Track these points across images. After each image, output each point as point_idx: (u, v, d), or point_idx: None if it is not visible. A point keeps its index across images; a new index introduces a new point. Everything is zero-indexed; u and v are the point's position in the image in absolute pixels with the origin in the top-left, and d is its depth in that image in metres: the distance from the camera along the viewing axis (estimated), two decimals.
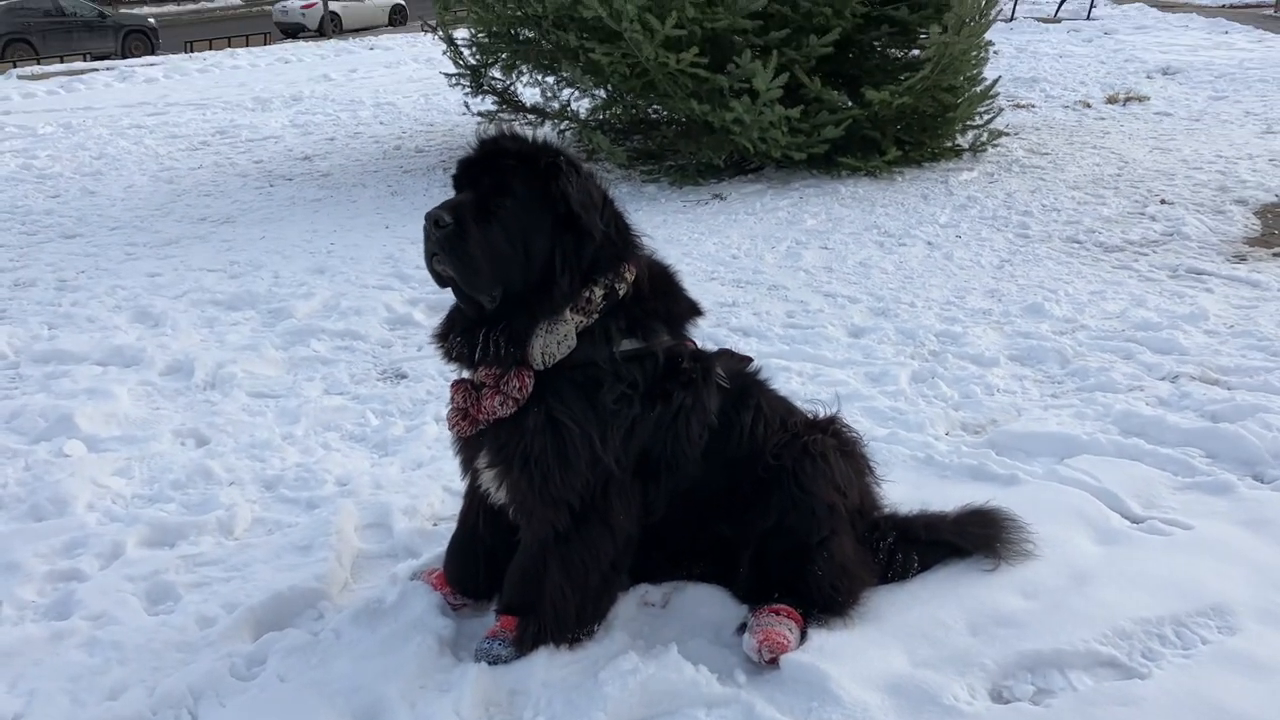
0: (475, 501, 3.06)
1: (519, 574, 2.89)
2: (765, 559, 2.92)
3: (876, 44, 9.14)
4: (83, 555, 3.43)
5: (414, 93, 15.55)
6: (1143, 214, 7.40)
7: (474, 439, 2.86)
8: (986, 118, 9.40)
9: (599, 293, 2.65)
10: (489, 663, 2.79)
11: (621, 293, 2.69)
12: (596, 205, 2.66)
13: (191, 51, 25.33)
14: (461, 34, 10.13)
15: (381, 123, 12.96)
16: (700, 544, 3.04)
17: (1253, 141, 9.67)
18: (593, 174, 2.74)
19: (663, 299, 2.79)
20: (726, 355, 3.05)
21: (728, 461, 2.90)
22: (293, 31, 34.01)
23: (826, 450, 2.96)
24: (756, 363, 3.15)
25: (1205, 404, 4.21)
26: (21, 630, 3.05)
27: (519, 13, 8.96)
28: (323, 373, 4.94)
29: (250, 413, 4.51)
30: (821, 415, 3.13)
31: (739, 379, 2.99)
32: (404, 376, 4.92)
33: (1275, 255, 6.43)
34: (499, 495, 2.85)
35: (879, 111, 8.47)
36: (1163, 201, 7.68)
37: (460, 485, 3.79)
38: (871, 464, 3.14)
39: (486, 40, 9.72)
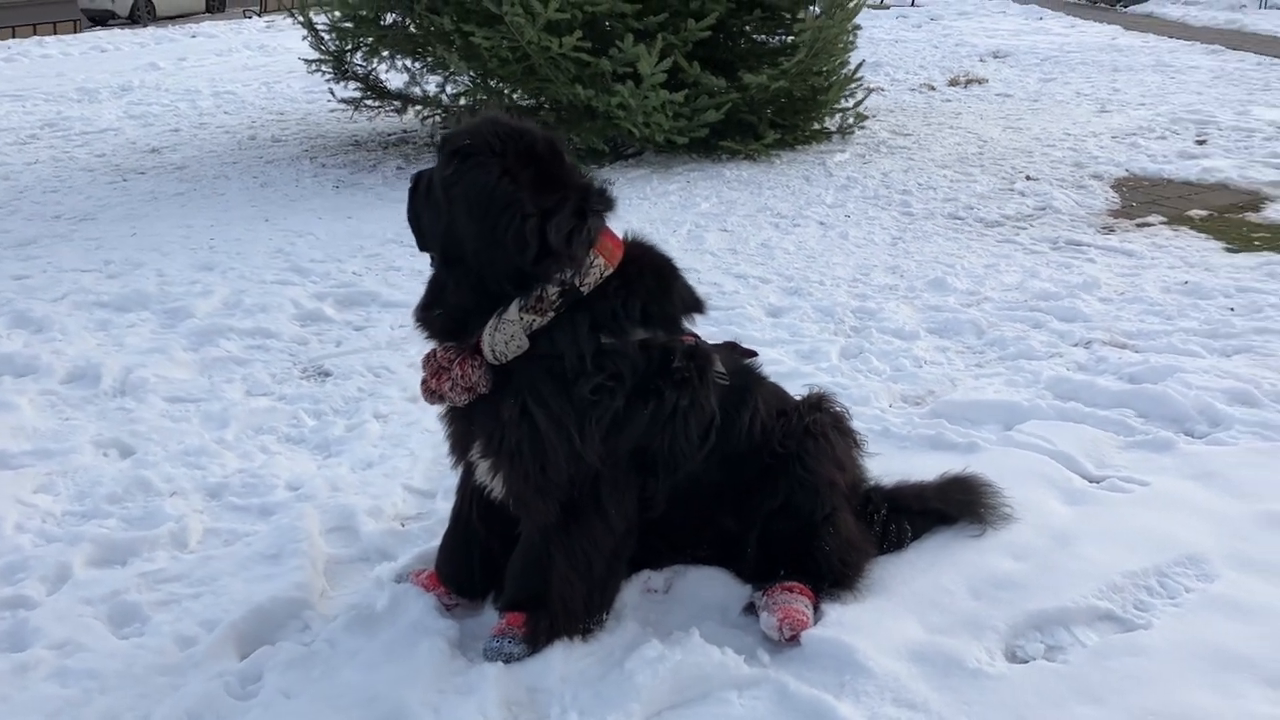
0: (468, 496, 2.97)
1: (522, 567, 2.81)
2: (772, 538, 2.93)
3: (748, 28, 9.26)
4: (25, 580, 3.14)
5: (253, 81, 14.89)
6: (1012, 190, 7.77)
7: (465, 431, 2.78)
8: (852, 101, 9.66)
9: (553, 290, 2.54)
10: (504, 661, 2.71)
11: (585, 287, 2.57)
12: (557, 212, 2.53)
13: None
14: (321, 19, 9.72)
15: (226, 112, 12.36)
16: (702, 533, 3.02)
17: (1093, 120, 10.29)
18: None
19: (645, 294, 2.66)
20: (728, 350, 3.03)
21: (729, 457, 2.88)
22: (100, 19, 31.98)
23: (825, 429, 3.00)
24: (757, 359, 3.13)
25: (1123, 367, 4.45)
26: None
27: None
28: (240, 373, 4.68)
29: (173, 419, 4.23)
30: (811, 394, 3.15)
31: (739, 375, 2.96)
32: (328, 374, 4.71)
33: (1139, 226, 6.86)
34: (496, 487, 2.76)
35: (755, 95, 8.60)
36: (1028, 178, 8.08)
37: (420, 482, 3.75)
38: (859, 439, 3.19)
39: (350, 25, 9.36)
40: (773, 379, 3.17)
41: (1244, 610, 2.81)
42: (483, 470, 2.77)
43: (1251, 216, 7.01)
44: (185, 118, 12.09)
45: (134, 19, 31.29)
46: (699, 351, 2.78)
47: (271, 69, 16.00)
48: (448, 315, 2.67)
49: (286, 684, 2.68)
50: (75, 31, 25.66)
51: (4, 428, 4.07)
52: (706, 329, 2.91)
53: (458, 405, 2.71)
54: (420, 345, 4.77)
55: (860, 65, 9.71)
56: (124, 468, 3.85)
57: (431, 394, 2.70)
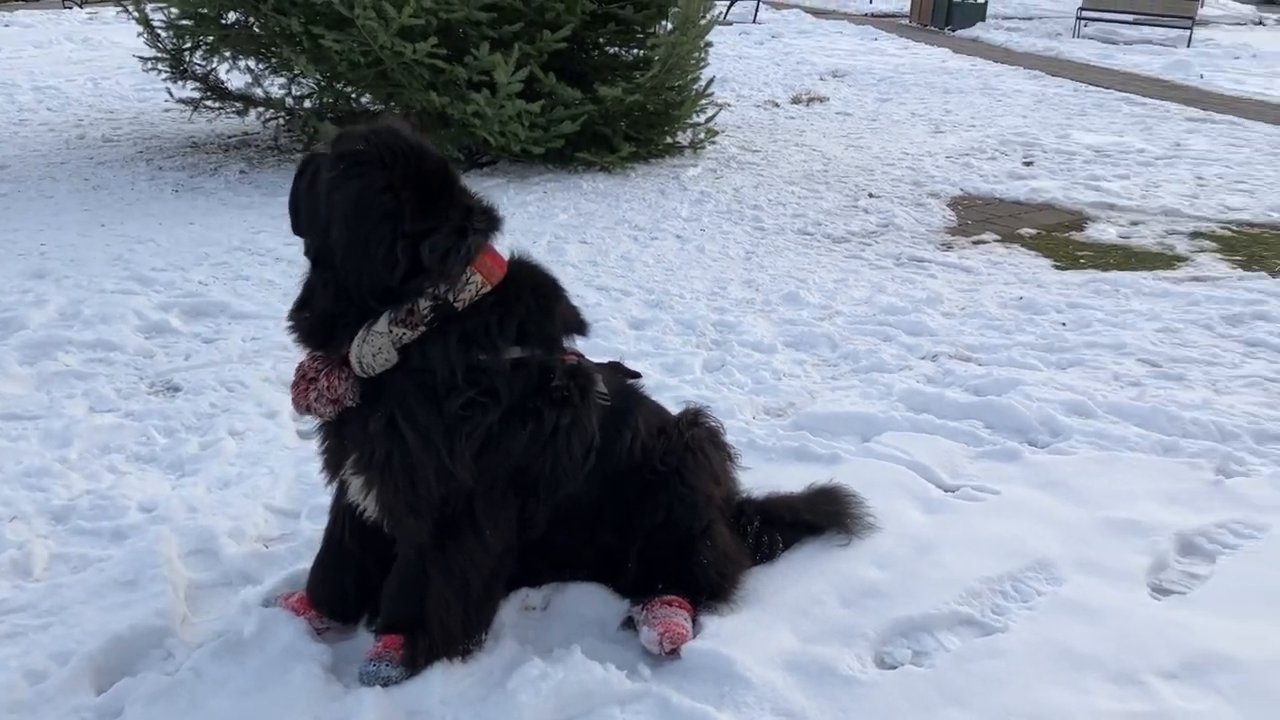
0: (341, 516, 2.90)
1: (399, 588, 2.77)
2: (651, 553, 2.96)
3: (603, 41, 9.32)
4: None
5: (78, 76, 14.08)
6: (856, 206, 8.06)
7: (338, 447, 2.72)
8: (704, 116, 9.84)
9: (424, 304, 2.50)
10: (381, 685, 2.65)
11: (459, 303, 2.54)
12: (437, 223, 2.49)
13: None
14: (158, 15, 9.28)
15: (49, 109, 11.66)
16: (583, 553, 3.03)
17: (928, 140, 10.77)
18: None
19: (523, 312, 2.63)
20: (611, 370, 3.04)
21: (610, 476, 2.89)
22: None
23: (703, 443, 3.06)
24: (644, 378, 3.16)
25: (968, 380, 4.68)
26: None
27: None
28: (82, 388, 4.42)
29: (9, 437, 3.97)
30: (688, 409, 3.20)
31: (621, 396, 2.97)
32: (178, 389, 4.50)
33: (975, 243, 7.22)
34: (369, 506, 2.70)
35: (611, 108, 8.66)
36: (870, 195, 8.40)
37: (283, 501, 3.63)
38: (733, 453, 3.26)
39: (190, 24, 8.98)
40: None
41: (1090, 612, 3.00)
42: (355, 488, 2.71)
43: (1076, 235, 7.47)
44: (3, 113, 11.36)
45: None
46: (580, 371, 2.78)
47: (98, 64, 15.18)
48: (316, 319, 2.60)
49: (151, 717, 2.56)
50: None
51: None
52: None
53: (324, 418, 2.66)
54: (274, 359, 4.71)
55: (711, 81, 9.89)
56: None
57: (299, 406, 2.64)
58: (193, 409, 4.30)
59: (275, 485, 3.72)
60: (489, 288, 2.59)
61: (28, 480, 3.67)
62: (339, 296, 2.53)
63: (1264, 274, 6.43)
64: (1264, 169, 9.57)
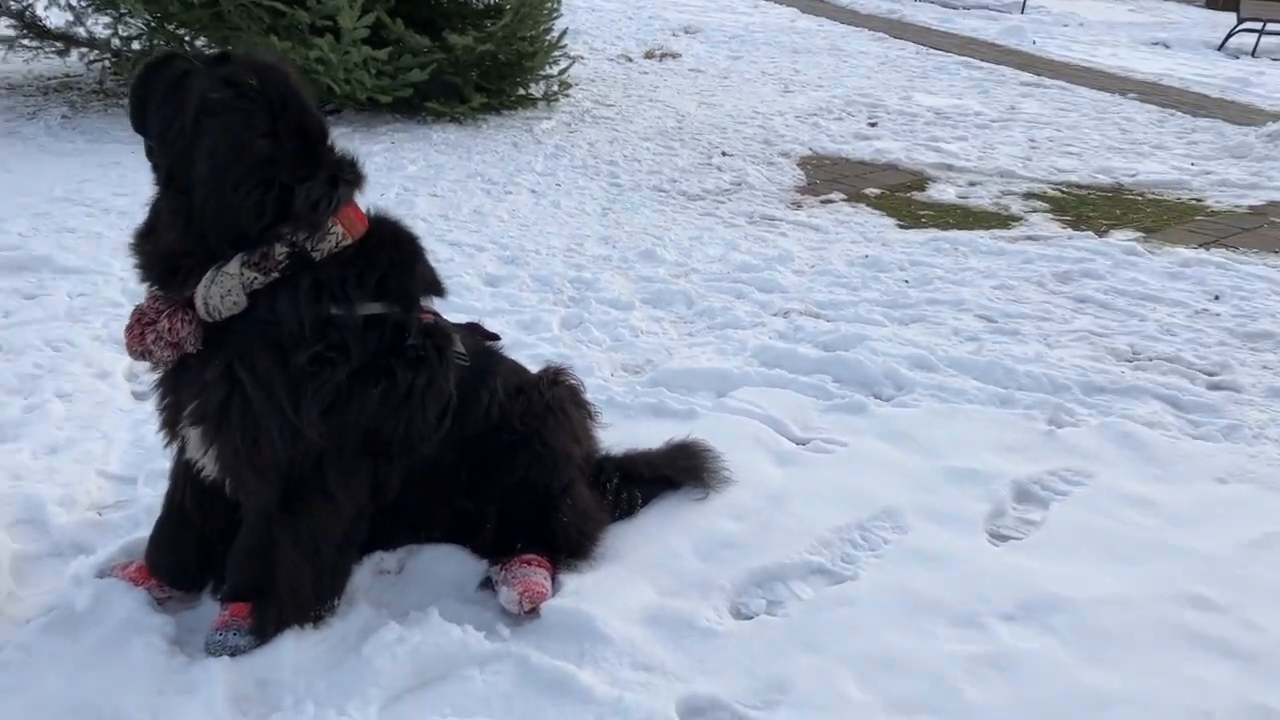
0: (181, 479, 2.77)
1: (245, 554, 2.66)
2: (510, 513, 2.94)
3: None
4: None
5: None
6: (709, 164, 8.12)
7: (176, 402, 2.59)
8: (557, 69, 9.71)
9: (281, 249, 2.40)
10: (229, 655, 2.56)
11: (317, 253, 2.45)
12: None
13: None
14: None
15: None
16: (438, 514, 2.98)
17: (778, 100, 10.91)
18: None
19: (382, 267, 2.56)
20: (469, 331, 2.99)
21: (466, 439, 2.85)
22: None
23: (564, 403, 3.04)
24: (500, 341, 3.11)
25: (817, 335, 4.79)
26: None
27: None
28: None
29: None
30: (548, 368, 3.17)
31: (480, 357, 2.93)
32: None
33: (823, 202, 7.37)
34: (209, 464, 2.58)
35: (461, 57, 8.46)
36: (724, 154, 8.47)
37: (117, 467, 3.45)
38: (594, 411, 3.25)
39: None
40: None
41: (934, 558, 3.13)
42: (194, 443, 2.58)
43: (918, 195, 7.72)
44: None
45: None
46: (438, 329, 2.72)
47: None
48: (160, 254, 2.45)
49: None
50: None
51: None
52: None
53: (163, 365, 2.52)
54: (105, 317, 4.45)
55: (565, 33, 9.76)
56: None
57: (134, 350, 2.49)
58: (14, 370, 4.02)
59: (109, 450, 3.52)
60: (349, 240, 2.50)
61: None
62: (188, 232, 2.38)
63: (1091, 233, 6.77)
64: (1090, 133, 10.07)
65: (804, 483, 3.49)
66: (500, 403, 2.90)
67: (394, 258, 2.59)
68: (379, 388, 2.58)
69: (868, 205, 7.33)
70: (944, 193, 7.78)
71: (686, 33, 15.56)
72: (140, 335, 2.44)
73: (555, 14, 9.41)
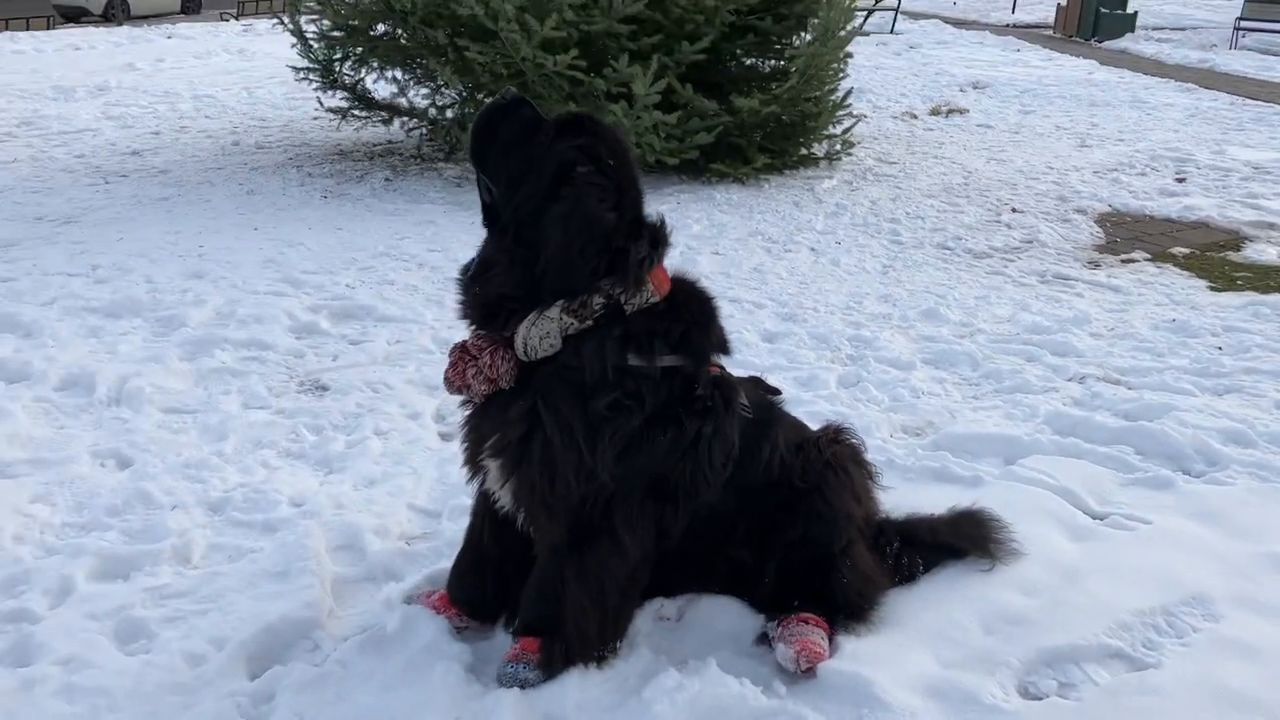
0: (482, 515, 2.96)
1: (537, 591, 2.80)
2: (788, 569, 2.94)
3: (740, 52, 9.31)
4: (27, 593, 3.08)
5: (233, 85, 14.74)
6: (998, 222, 7.86)
7: (480, 438, 2.76)
8: (840, 128, 9.73)
9: (598, 300, 2.56)
10: (519, 688, 2.69)
11: (630, 306, 2.60)
12: (602, 216, 2.56)
13: None
14: (311, 27, 9.66)
15: (207, 116, 12.23)
16: (716, 565, 3.02)
17: (1073, 154, 10.43)
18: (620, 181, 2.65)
19: (682, 323, 2.68)
20: (752, 384, 3.05)
21: (747, 489, 2.89)
22: (73, 15, 31.57)
23: (845, 461, 3.02)
24: (784, 394, 3.15)
25: (1118, 404, 4.51)
26: None
27: (380, 6, 8.64)
28: (237, 385, 4.62)
29: (170, 430, 4.18)
30: (829, 426, 3.17)
31: (762, 410, 2.97)
32: (326, 389, 4.66)
33: (1124, 262, 6.96)
34: (505, 497, 2.75)
35: (746, 119, 8.64)
36: (1014, 210, 8.18)
37: (425, 501, 3.72)
38: (874, 471, 3.21)
39: (341, 35, 9.32)
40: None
41: (1252, 651, 2.85)
42: (493, 475, 2.75)
43: (1233, 256, 7.14)
44: (165, 120, 11.96)
45: (108, 17, 30.96)
46: (725, 381, 2.80)
47: (251, 74, 15.87)
48: (488, 297, 2.64)
49: (300, 706, 2.65)
50: (48, 28, 25.30)
51: (0, 435, 4.00)
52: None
53: (477, 399, 2.68)
54: (418, 362, 4.84)
55: (850, 93, 9.78)
56: (122, 479, 3.79)
57: (453, 384, 2.69)
58: (340, 408, 4.45)
59: (418, 485, 3.82)
60: (658, 298, 2.64)
61: (187, 471, 3.85)
62: (523, 282, 2.57)
63: None
64: None
65: (1101, 560, 3.28)
66: (781, 456, 2.92)
67: (695, 315, 2.71)
68: (668, 435, 2.68)
69: (1175, 266, 6.85)
70: (1263, 253, 7.15)
71: (975, 88, 15.19)
72: (462, 370, 2.65)
73: (841, 75, 9.45)
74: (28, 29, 24.11)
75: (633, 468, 2.67)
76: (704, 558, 3.00)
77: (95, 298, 5.62)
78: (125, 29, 24.90)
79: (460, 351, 2.67)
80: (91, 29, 25.30)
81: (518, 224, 2.58)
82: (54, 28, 25.64)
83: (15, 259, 6.42)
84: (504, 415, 2.65)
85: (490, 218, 2.68)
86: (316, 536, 3.39)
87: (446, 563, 3.11)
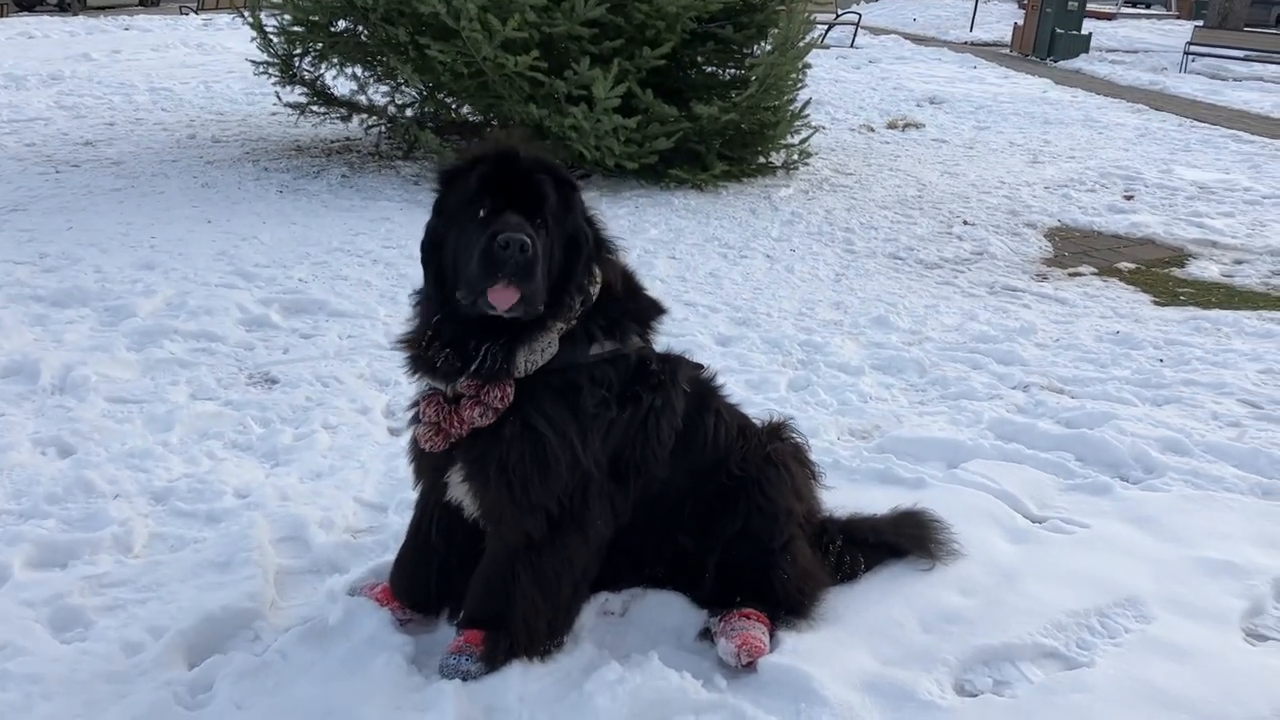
0: (428, 510, 2.96)
1: (484, 585, 2.80)
2: (729, 564, 2.97)
3: (700, 60, 9.38)
4: None
5: (191, 79, 14.59)
6: (950, 233, 7.97)
7: (444, 454, 2.75)
8: (798, 138, 9.83)
9: (578, 298, 2.63)
10: (461, 679, 2.70)
11: (594, 295, 2.68)
12: (588, 217, 2.68)
13: None
14: (271, 21, 9.59)
15: (164, 109, 12.10)
16: (662, 551, 3.05)
17: (1025, 170, 10.61)
18: None
19: (631, 299, 2.80)
20: (681, 360, 3.08)
21: (691, 467, 2.94)
22: (29, 4, 31.14)
23: (786, 458, 3.06)
24: (709, 369, 3.19)
25: (1060, 412, 4.59)
26: None
27: (341, 2, 8.60)
28: (185, 376, 4.58)
29: (115, 419, 4.13)
30: (771, 422, 3.20)
31: (697, 385, 3.03)
32: (275, 381, 4.63)
33: (1071, 275, 7.09)
34: (471, 507, 2.76)
35: (706, 126, 8.70)
36: (965, 223, 8.30)
37: (372, 495, 3.71)
38: (817, 470, 3.25)
39: (301, 30, 9.26)
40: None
41: (1181, 652, 2.92)
42: (460, 491, 2.75)
43: (1176, 272, 7.29)
44: (120, 112, 11.82)
45: (63, 7, 30.50)
46: (670, 355, 2.90)
47: (210, 68, 15.71)
48: (454, 350, 2.58)
49: (239, 695, 2.64)
50: (1, 15, 24.90)
51: None
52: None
53: (479, 426, 2.63)
54: (369, 357, 4.82)
55: (808, 103, 9.88)
56: (63, 467, 3.74)
57: (446, 435, 2.64)
58: (289, 401, 4.42)
59: (365, 479, 3.81)
60: (604, 277, 2.71)
61: (131, 461, 3.81)
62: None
63: None
64: None
65: (1038, 562, 3.35)
66: (722, 434, 2.97)
67: (629, 288, 2.80)
68: (627, 413, 2.74)
69: (1120, 280, 7.00)
70: (1206, 270, 7.31)
71: (931, 103, 15.39)
72: (457, 416, 2.61)
73: (800, 85, 9.54)
74: None
75: (604, 451, 2.72)
76: (648, 546, 3.02)
77: (42, 286, 5.54)
78: (81, 19, 24.55)
79: (443, 404, 2.63)
80: (47, 18, 24.89)
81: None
82: (7, 15, 25.22)
83: None
84: (497, 435, 2.61)
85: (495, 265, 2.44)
86: (261, 528, 3.37)
87: (391, 555, 3.11)
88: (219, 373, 4.67)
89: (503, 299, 2.43)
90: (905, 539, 3.30)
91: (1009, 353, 5.37)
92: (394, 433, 4.18)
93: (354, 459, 3.97)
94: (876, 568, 3.25)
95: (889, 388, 4.95)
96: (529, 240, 2.40)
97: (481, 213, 2.49)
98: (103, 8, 31.41)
